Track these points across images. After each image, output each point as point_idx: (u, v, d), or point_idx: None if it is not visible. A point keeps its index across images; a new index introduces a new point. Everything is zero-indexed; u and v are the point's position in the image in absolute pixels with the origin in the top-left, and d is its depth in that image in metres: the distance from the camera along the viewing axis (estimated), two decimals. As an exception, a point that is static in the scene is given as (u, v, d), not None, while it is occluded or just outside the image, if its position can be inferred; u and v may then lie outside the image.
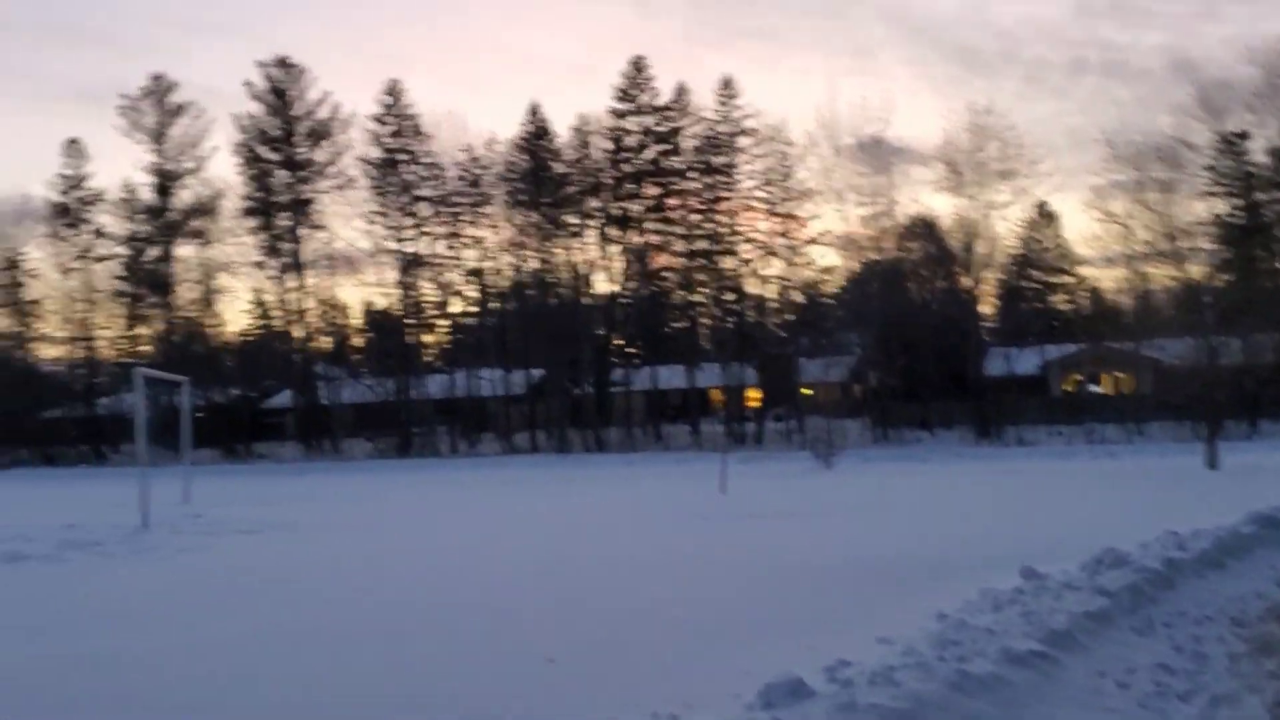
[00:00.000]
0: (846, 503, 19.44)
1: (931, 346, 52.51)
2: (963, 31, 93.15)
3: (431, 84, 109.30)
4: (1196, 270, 46.86)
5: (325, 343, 60.00)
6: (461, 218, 54.60)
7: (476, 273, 55.68)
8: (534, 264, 55.50)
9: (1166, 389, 37.03)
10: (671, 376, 56.24)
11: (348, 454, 53.01)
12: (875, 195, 52.28)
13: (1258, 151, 51.88)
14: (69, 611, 9.38)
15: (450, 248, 55.00)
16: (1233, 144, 51.96)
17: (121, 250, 56.91)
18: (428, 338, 58.88)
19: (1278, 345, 46.82)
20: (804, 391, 55.62)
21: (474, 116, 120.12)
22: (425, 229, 54.54)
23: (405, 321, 56.07)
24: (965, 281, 52.30)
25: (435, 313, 57.33)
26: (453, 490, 27.71)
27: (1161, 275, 48.63)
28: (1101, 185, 49.82)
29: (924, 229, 58.49)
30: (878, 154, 51.92)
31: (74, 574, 11.92)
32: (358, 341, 63.88)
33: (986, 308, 59.92)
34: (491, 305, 56.97)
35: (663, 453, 47.78)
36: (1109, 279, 57.53)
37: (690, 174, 54.29)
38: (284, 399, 59.85)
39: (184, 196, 56.41)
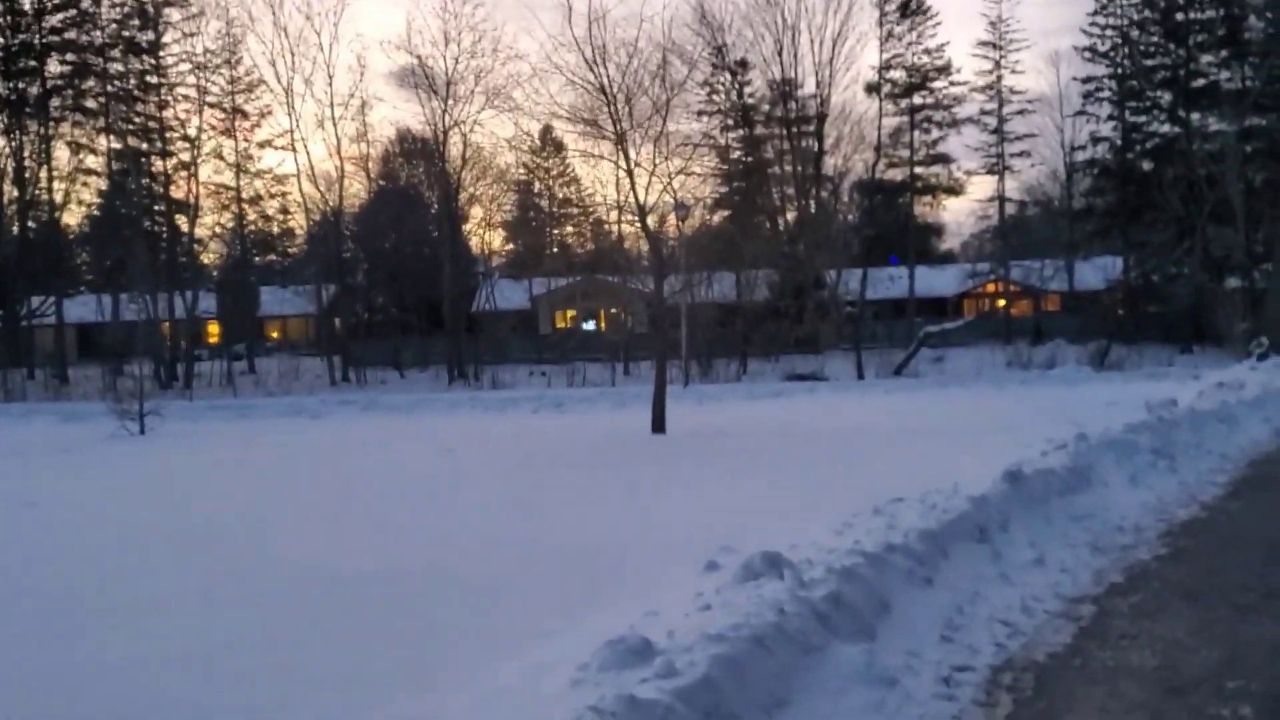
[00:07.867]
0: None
1: (411, 279, 45.57)
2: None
3: None
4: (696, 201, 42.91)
5: None
6: None
7: None
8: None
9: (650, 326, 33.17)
10: (101, 309, 45.16)
11: None
12: (348, 99, 44.22)
13: (759, 82, 49.29)
14: None
15: None
16: (734, 73, 49.03)
17: None
18: None
19: (771, 283, 44.61)
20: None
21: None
22: None
23: None
24: (448, 206, 45.34)
25: None
26: None
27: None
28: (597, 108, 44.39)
29: (416, 150, 51.41)
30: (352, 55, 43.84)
31: None
32: None
33: (487, 239, 54.07)
34: None
35: (55, 403, 36.85)
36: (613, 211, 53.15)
37: (109, 51, 42.98)
38: None
39: None
